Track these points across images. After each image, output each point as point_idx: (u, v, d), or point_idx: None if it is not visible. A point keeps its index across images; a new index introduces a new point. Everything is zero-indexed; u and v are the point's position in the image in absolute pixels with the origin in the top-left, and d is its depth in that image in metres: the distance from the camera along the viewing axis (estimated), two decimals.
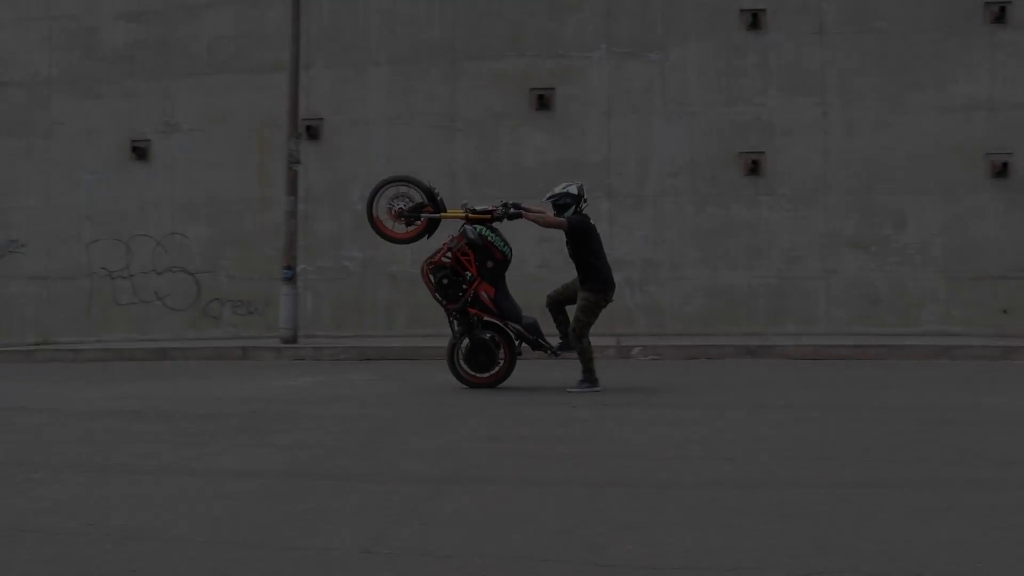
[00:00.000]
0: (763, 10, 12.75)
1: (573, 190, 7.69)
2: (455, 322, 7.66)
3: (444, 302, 7.58)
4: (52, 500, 3.80)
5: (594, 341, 11.54)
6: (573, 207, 7.62)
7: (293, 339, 12.15)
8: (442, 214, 7.71)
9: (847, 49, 12.60)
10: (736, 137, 12.81)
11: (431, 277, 7.58)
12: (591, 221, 7.71)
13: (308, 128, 13.64)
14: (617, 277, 12.90)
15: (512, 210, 7.58)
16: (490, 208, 7.64)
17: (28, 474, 4.36)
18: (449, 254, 7.55)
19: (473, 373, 7.64)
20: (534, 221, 7.66)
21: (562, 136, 13.24)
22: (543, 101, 13.25)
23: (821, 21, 12.64)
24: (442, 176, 13.32)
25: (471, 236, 7.46)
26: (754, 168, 12.67)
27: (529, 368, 8.42)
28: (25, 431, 5.75)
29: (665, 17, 13.05)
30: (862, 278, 12.48)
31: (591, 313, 7.59)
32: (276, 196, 13.61)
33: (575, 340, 7.53)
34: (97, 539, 3.19)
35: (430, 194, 7.71)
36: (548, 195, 7.75)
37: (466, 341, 7.61)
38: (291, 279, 12.26)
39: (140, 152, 14.64)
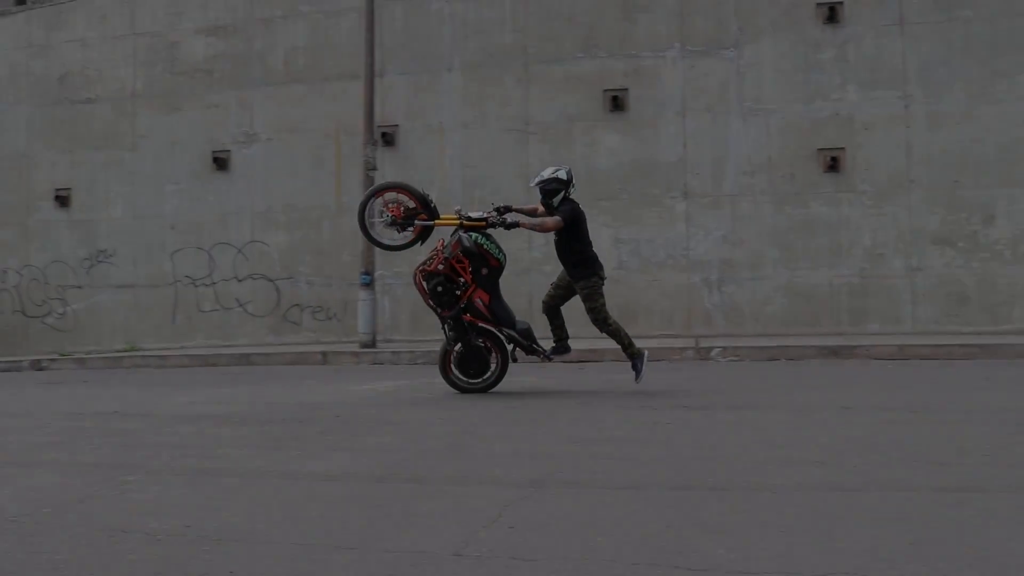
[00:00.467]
0: (840, 3, 12.51)
1: (562, 174, 7.58)
2: (448, 328, 7.54)
3: (439, 309, 7.43)
4: (150, 503, 3.90)
5: (672, 343, 11.54)
6: (563, 192, 7.52)
7: (372, 344, 12.30)
8: (436, 221, 7.58)
9: (930, 39, 12.28)
10: (814, 134, 12.58)
11: (425, 284, 7.44)
12: (580, 207, 7.62)
13: (383, 135, 13.82)
14: (694, 278, 12.96)
15: (508, 219, 7.45)
16: (484, 215, 7.50)
17: (125, 477, 4.48)
18: (445, 260, 7.38)
19: (465, 379, 7.59)
20: (531, 229, 7.62)
21: (636, 137, 13.17)
22: (617, 102, 13.19)
23: (901, 12, 12.34)
24: (516, 180, 13.38)
25: (467, 244, 7.33)
26: (833, 165, 12.43)
27: (600, 370, 8.38)
28: (120, 435, 5.91)
29: (739, 14, 12.89)
30: (948, 275, 12.14)
31: (599, 296, 7.58)
32: (352, 203, 13.78)
33: (603, 326, 7.56)
34: (195, 540, 3.26)
35: (424, 201, 7.57)
36: (536, 180, 7.62)
37: (459, 347, 7.53)
38: (369, 284, 12.42)
39: (220, 162, 15.00)
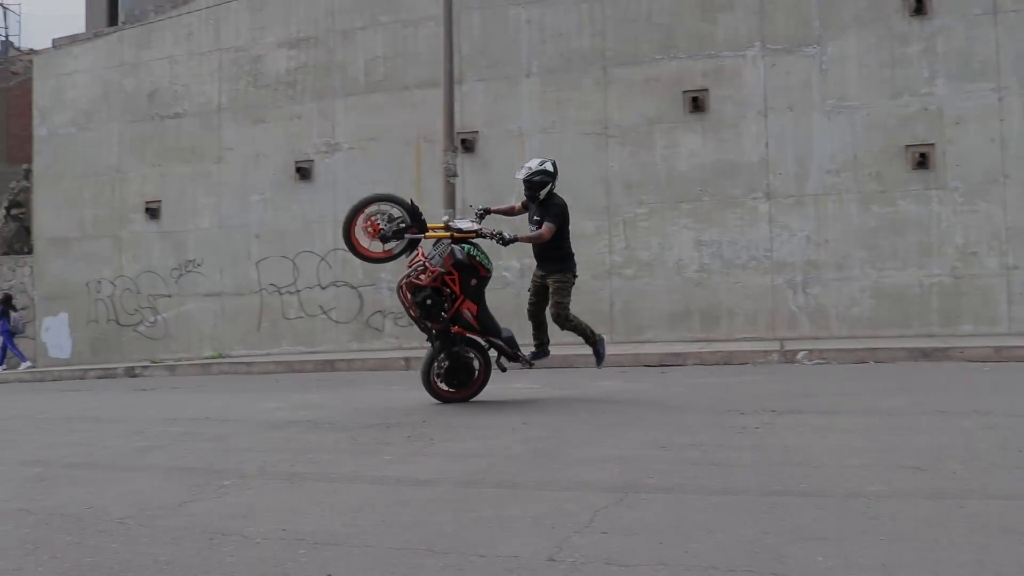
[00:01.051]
0: None
1: (549, 167, 7.41)
2: (433, 339, 7.32)
3: (427, 322, 7.17)
4: (246, 506, 3.98)
5: (756, 346, 11.36)
6: (550, 185, 7.38)
7: None
8: (426, 234, 7.27)
9: None
10: (902, 130, 12.27)
11: (411, 297, 7.13)
12: (566, 203, 7.51)
13: (463, 141, 13.93)
14: (778, 279, 12.73)
15: (507, 235, 7.17)
16: (475, 227, 7.23)
17: (220, 481, 4.59)
18: (428, 274, 7.04)
19: (449, 390, 7.43)
20: (528, 242, 7.44)
21: (717, 138, 13.02)
22: (697, 103, 13.07)
23: (995, 0, 11.95)
24: (596, 183, 13.35)
25: (459, 256, 7.09)
26: (922, 161, 12.10)
27: (685, 373, 8.28)
28: (213, 440, 6.06)
29: (821, 10, 12.65)
30: None
31: (568, 293, 7.52)
32: (433, 210, 13.89)
33: (564, 323, 7.50)
34: (291, 544, 3.32)
35: (412, 212, 7.24)
36: (522, 173, 7.39)
37: (444, 358, 7.34)
38: None
39: (303, 172, 15.30)
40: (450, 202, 12.65)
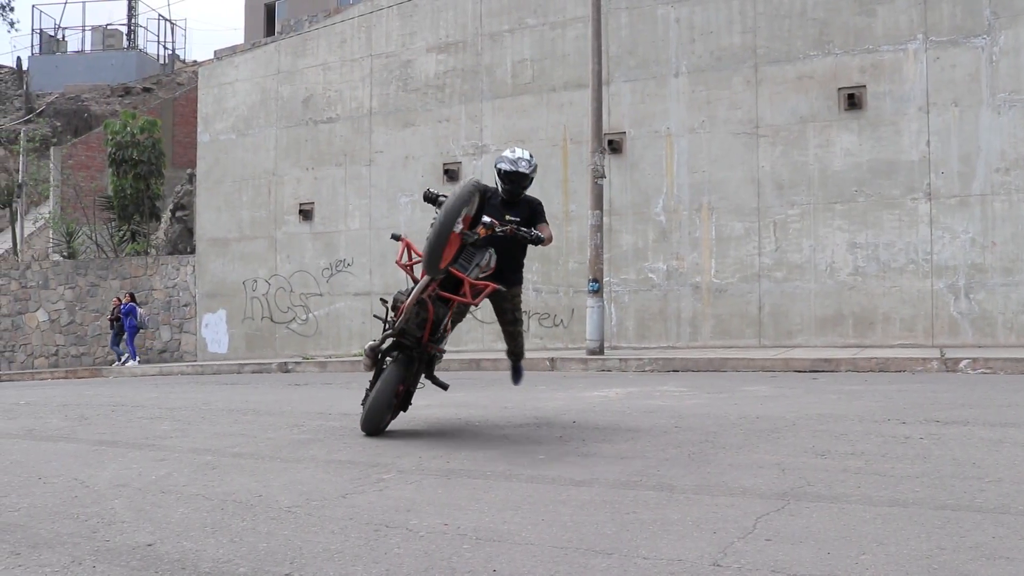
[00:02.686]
0: None
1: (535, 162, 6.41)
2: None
3: (418, 332, 5.99)
4: (406, 500, 4.08)
5: (914, 353, 10.88)
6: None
7: (599, 350, 12.36)
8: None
9: None
10: None
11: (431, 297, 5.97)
12: None
13: (610, 142, 13.89)
14: (938, 284, 12.15)
15: (534, 234, 6.04)
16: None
17: (379, 475, 4.71)
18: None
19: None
20: (533, 243, 6.16)
21: (874, 136, 12.55)
22: (852, 100, 12.64)
23: None
24: (746, 184, 13.07)
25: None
26: None
27: (834, 380, 7.97)
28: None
29: None
30: None
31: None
32: (578, 210, 13.94)
33: (521, 338, 6.80)
34: (454, 538, 3.38)
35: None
36: (524, 166, 6.23)
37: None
38: (597, 291, 12.49)
39: (451, 174, 15.58)
40: (597, 203, 12.64)
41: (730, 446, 5.25)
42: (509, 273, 6.34)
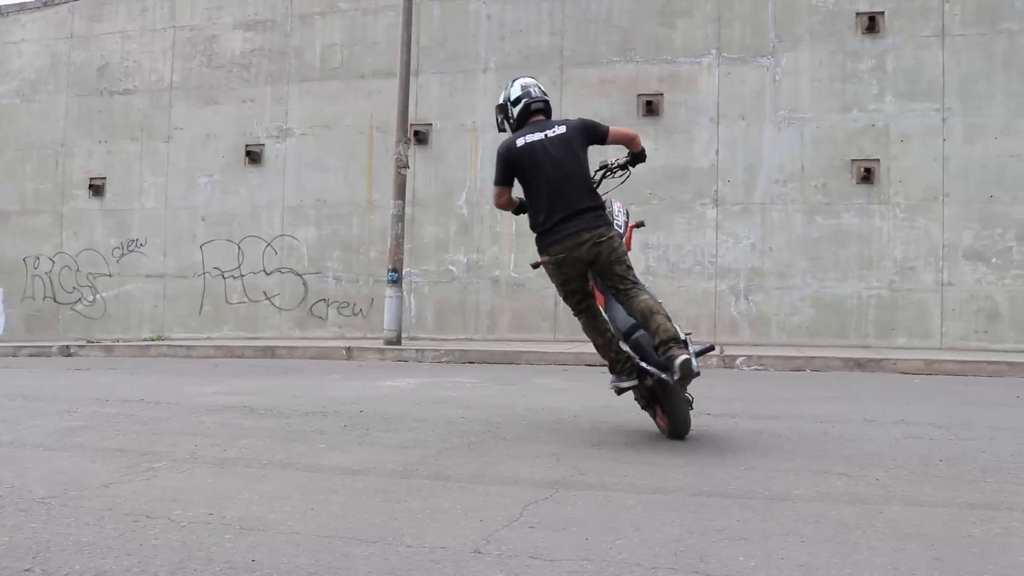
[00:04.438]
0: (881, 13, 12.46)
1: (500, 98, 5.66)
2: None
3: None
4: (174, 489, 3.94)
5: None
6: (504, 121, 5.62)
7: (397, 341, 12.36)
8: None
9: (971, 51, 12.20)
10: (849, 144, 12.52)
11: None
12: (504, 146, 5.44)
13: (416, 133, 13.89)
14: (722, 285, 12.89)
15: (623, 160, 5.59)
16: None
17: (150, 464, 4.53)
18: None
19: None
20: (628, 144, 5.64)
21: (669, 143, 13.15)
22: (651, 107, 13.20)
23: (944, 23, 12.26)
24: None
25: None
26: (867, 176, 12.36)
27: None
28: (146, 423, 5.97)
29: (778, 22, 12.85)
30: (980, 291, 12.03)
31: (554, 281, 5.49)
32: (382, 200, 13.87)
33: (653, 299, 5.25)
34: (218, 528, 3.29)
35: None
36: (537, 92, 5.52)
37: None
38: (396, 281, 12.47)
39: (253, 156, 15.13)
40: (400, 193, 12.62)
41: (512, 437, 5.37)
42: (583, 215, 5.26)
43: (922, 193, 12.28)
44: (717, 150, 13.02)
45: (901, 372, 10.03)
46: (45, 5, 17.54)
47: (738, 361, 10.71)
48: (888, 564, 2.91)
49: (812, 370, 10.30)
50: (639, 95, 13.34)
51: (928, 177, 12.27)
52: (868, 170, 12.38)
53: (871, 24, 12.46)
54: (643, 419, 6.06)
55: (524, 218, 5.59)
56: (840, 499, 3.81)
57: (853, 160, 12.51)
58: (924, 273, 12.25)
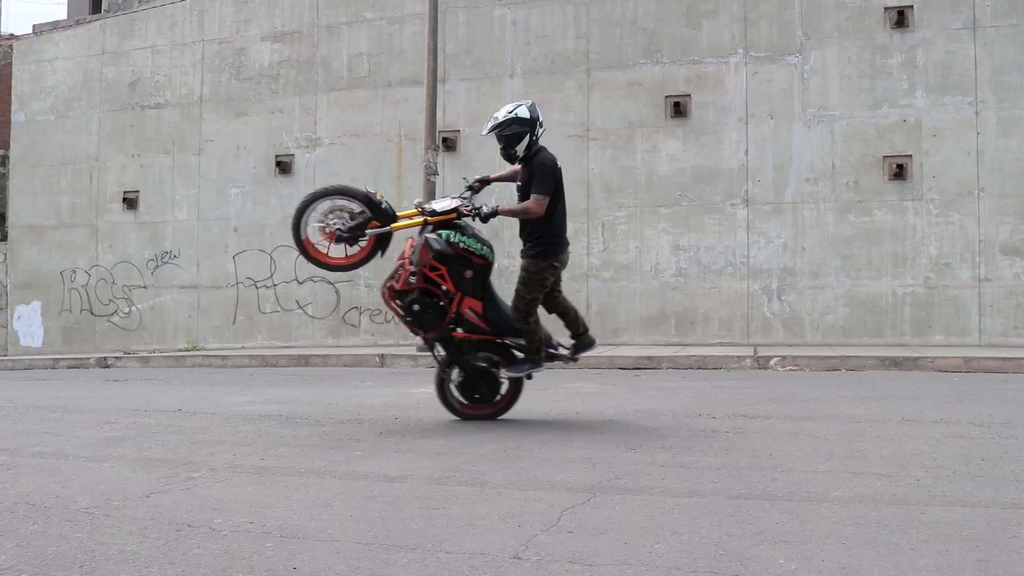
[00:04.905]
0: (910, 7, 12.33)
1: (524, 112, 5.82)
2: (438, 349, 6.19)
3: (421, 332, 6.03)
4: (214, 499, 3.98)
5: (730, 351, 11.42)
6: (528, 136, 5.81)
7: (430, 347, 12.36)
8: (393, 225, 6.00)
9: (1004, 43, 12.04)
10: (880, 141, 12.40)
11: (396, 304, 6.02)
12: (556, 162, 5.92)
13: (444, 140, 13.94)
14: (754, 286, 12.81)
15: (484, 210, 5.82)
16: (453, 205, 5.90)
17: (189, 473, 4.58)
18: (414, 274, 5.87)
19: (467, 404, 6.27)
20: (513, 216, 5.91)
21: (697, 144, 13.09)
22: (678, 108, 13.14)
23: (974, 15, 12.11)
24: (576, 185, 13.37)
25: (437, 247, 5.82)
26: (899, 172, 12.23)
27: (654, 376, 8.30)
28: (184, 432, 6.03)
29: (804, 20, 12.76)
30: (1019, 287, 11.86)
31: (537, 286, 5.95)
32: (412, 207, 13.89)
33: (521, 322, 5.94)
34: (258, 537, 3.32)
35: (370, 202, 5.98)
36: (489, 126, 5.84)
37: (456, 371, 6.21)
38: None
39: (284, 166, 15.25)
40: (429, 200, 12.63)
41: (547, 441, 5.37)
42: (524, 242, 6.00)
43: (956, 188, 12.14)
44: (746, 150, 12.95)
45: (939, 370, 9.91)
46: (77, 23, 17.81)
47: (772, 362, 10.63)
48: (932, 566, 2.88)
49: (847, 370, 10.20)
50: (666, 96, 13.30)
51: (962, 172, 12.12)
52: (900, 166, 12.25)
53: (900, 18, 12.33)
54: (678, 424, 6.05)
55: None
56: (880, 500, 3.78)
57: (885, 156, 12.38)
58: (960, 269, 12.10)
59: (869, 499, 3.79)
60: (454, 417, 6.35)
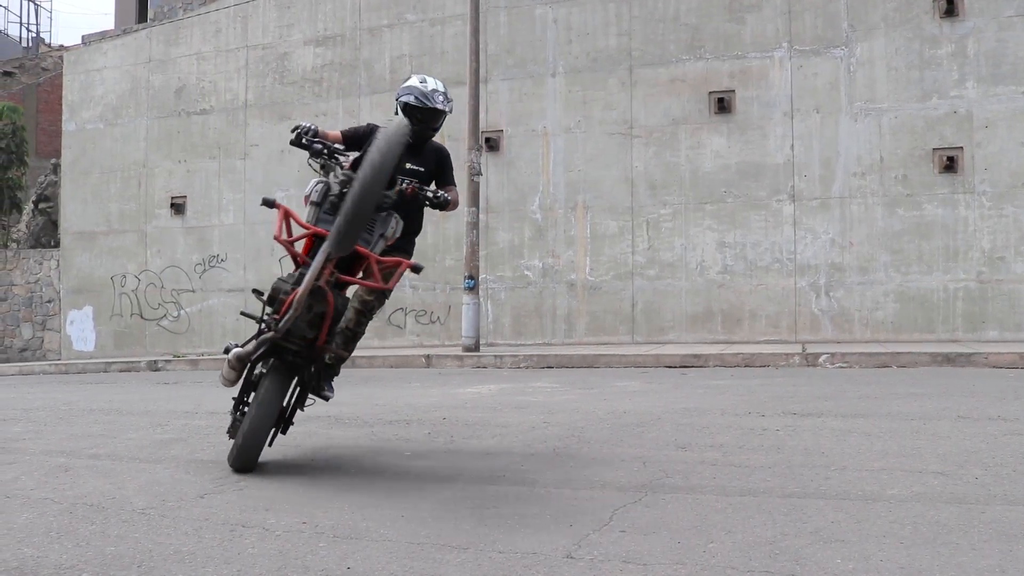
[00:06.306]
0: None
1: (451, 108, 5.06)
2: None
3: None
4: (267, 499, 4.01)
5: (778, 349, 11.31)
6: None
7: (475, 347, 12.41)
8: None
9: None
10: (929, 133, 12.19)
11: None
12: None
13: (487, 140, 13.96)
14: (801, 282, 12.67)
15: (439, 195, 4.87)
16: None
17: (242, 474, 4.62)
18: None
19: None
20: (439, 207, 4.99)
21: (742, 139, 12.98)
22: (722, 104, 13.04)
23: None
24: (620, 183, 13.34)
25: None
26: (950, 165, 12.02)
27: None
28: None
29: (850, 11, 12.59)
30: None
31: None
32: (459, 208, 13.93)
33: (352, 345, 4.90)
34: (311, 537, 3.34)
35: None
36: (439, 100, 4.99)
37: None
38: (473, 288, 12.53)
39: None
40: (474, 200, 12.69)
41: (595, 441, 5.35)
42: (404, 244, 4.94)
43: (1010, 179, 11.89)
44: (792, 145, 12.80)
45: (993, 366, 9.72)
46: (125, 32, 18.14)
47: (822, 359, 10.49)
48: (995, 566, 2.82)
49: (898, 366, 10.04)
50: (710, 92, 13.19)
51: (1016, 163, 11.87)
52: (951, 159, 12.04)
53: (950, 7, 12.11)
54: (727, 422, 6.00)
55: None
56: (938, 499, 3.70)
57: (934, 149, 12.18)
58: (1015, 263, 11.85)
59: (926, 498, 3.72)
60: (503, 419, 6.35)
